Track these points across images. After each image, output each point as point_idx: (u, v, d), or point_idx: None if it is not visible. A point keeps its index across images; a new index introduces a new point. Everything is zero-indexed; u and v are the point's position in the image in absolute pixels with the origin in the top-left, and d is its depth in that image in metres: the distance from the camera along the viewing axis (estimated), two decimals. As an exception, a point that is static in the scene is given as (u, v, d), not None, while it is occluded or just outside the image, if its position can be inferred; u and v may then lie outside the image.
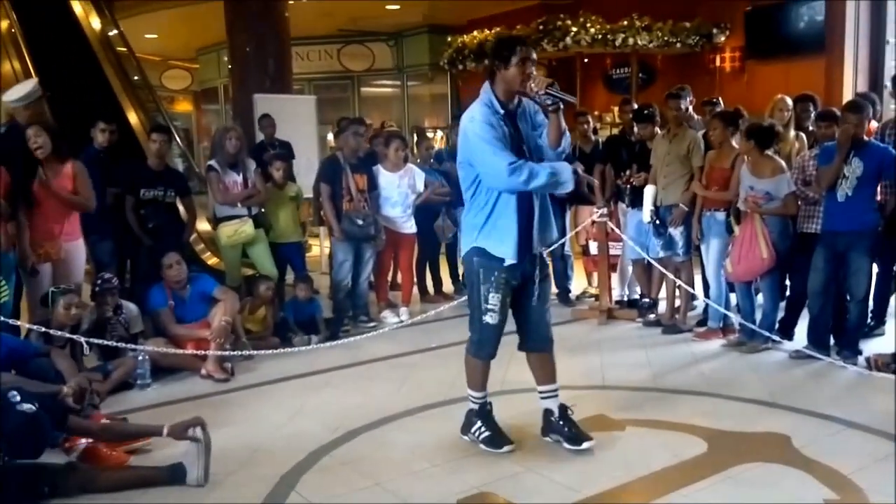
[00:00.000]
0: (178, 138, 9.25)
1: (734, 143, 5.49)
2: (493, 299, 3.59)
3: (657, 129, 6.07)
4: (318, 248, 8.80)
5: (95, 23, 9.76)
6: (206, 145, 13.10)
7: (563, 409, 3.81)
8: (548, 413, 3.83)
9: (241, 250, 6.03)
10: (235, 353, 5.09)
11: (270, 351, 5.27)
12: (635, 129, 6.31)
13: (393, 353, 5.50)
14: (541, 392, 3.84)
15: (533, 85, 3.41)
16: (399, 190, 6.35)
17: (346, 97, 15.52)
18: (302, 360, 5.31)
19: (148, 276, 5.49)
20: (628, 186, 6.18)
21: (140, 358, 4.75)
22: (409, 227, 6.48)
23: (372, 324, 6.21)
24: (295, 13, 10.47)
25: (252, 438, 3.98)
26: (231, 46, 10.18)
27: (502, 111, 3.51)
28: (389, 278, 6.97)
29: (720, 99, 6.82)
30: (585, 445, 3.68)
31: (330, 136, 11.02)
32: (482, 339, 3.69)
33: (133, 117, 8.87)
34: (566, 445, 3.72)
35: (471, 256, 3.65)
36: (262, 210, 6.11)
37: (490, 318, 3.62)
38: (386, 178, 6.30)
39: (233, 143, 5.88)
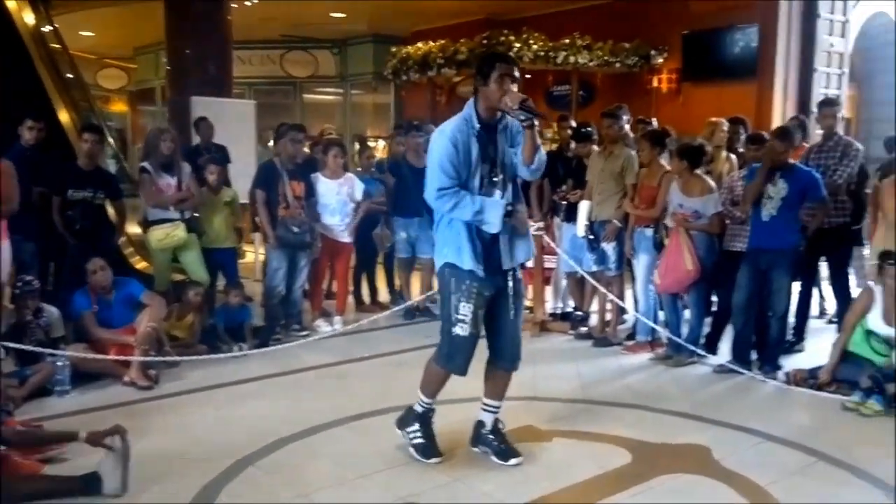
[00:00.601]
0: (111, 139, 9.01)
1: (662, 162, 5.63)
2: (464, 309, 3.56)
3: (594, 147, 6.19)
4: (253, 254, 8.67)
5: (29, 17, 9.44)
6: (141, 146, 12.79)
7: (496, 423, 3.83)
8: (480, 424, 3.85)
9: (172, 255, 5.90)
10: (160, 359, 4.95)
11: (196, 357, 5.16)
12: (572, 144, 6.41)
13: (325, 362, 5.45)
14: (485, 404, 3.84)
15: (507, 100, 3.44)
16: (338, 198, 6.30)
17: (289, 103, 15.39)
18: (230, 368, 5.22)
19: (72, 280, 5.32)
20: (564, 202, 6.28)
21: (59, 363, 4.59)
22: (347, 235, 6.43)
23: (304, 332, 6.14)
24: (238, 16, 10.35)
25: (174, 447, 3.89)
26: (169, 47, 9.99)
27: (478, 126, 3.53)
28: (325, 287, 6.91)
29: (653, 119, 6.99)
30: (513, 462, 3.71)
31: (271, 143, 10.88)
32: (451, 350, 3.65)
33: (65, 116, 8.58)
34: (494, 459, 3.74)
35: (443, 269, 3.64)
36: (196, 214, 5.99)
37: (460, 330, 3.57)
38: (325, 185, 6.25)
39: (167, 144, 5.75)
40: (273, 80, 15.10)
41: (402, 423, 3.86)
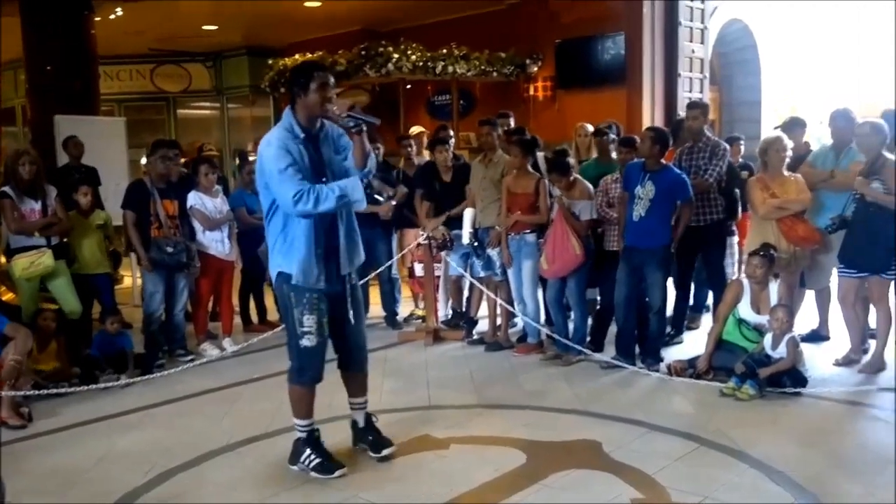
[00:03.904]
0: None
1: (531, 169, 5.78)
2: (309, 321, 3.58)
3: (449, 154, 6.36)
4: (131, 278, 8.28)
5: None
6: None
7: (368, 417, 3.94)
8: (355, 424, 3.95)
9: (40, 284, 5.55)
10: (31, 392, 4.64)
11: (74, 389, 4.88)
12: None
13: (212, 386, 5.26)
14: (352, 404, 3.94)
15: (335, 108, 3.49)
16: (219, 216, 6.15)
17: (162, 119, 14.85)
18: (111, 399, 4.96)
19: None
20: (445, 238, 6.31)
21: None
22: (230, 252, 6.25)
23: (190, 357, 5.91)
24: (102, 30, 9.89)
25: (55, 487, 3.67)
26: (28, 64, 9.43)
27: (303, 135, 3.54)
28: (209, 308, 6.67)
29: (525, 129, 7.15)
30: (385, 452, 3.83)
31: (144, 160, 10.46)
32: (303, 364, 3.66)
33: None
34: (370, 454, 3.85)
35: (280, 283, 3.63)
36: (65, 240, 5.67)
37: (307, 341, 3.59)
38: (205, 203, 6.08)
39: (26, 168, 5.42)
40: (144, 96, 14.53)
41: (294, 458, 3.79)
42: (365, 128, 3.53)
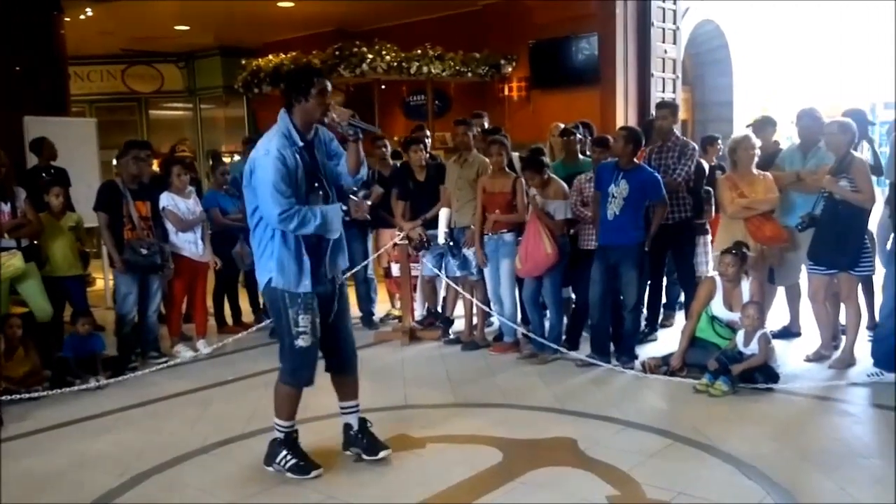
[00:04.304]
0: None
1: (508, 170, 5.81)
2: (304, 321, 3.57)
3: (424, 154, 6.38)
4: (103, 280, 8.19)
5: None
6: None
7: (363, 422, 3.90)
8: (347, 428, 3.91)
9: (10, 286, 5.47)
10: (2, 397, 4.58)
11: (46, 393, 4.81)
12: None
13: (186, 388, 5.23)
14: (343, 408, 3.91)
15: (335, 116, 3.49)
16: (192, 217, 6.10)
17: (134, 120, 14.68)
18: (83, 403, 4.91)
19: None
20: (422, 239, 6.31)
21: None
22: (203, 253, 6.21)
23: (163, 360, 5.86)
24: (72, 30, 9.77)
25: (27, 491, 3.63)
26: (-5, 65, 9.29)
27: (301, 143, 3.52)
28: (183, 309, 6.61)
29: (501, 129, 7.19)
30: (382, 454, 3.80)
31: (115, 161, 10.33)
32: (296, 365, 3.63)
33: None
34: (364, 457, 3.81)
35: (272, 286, 3.59)
36: (35, 242, 5.59)
37: (303, 341, 3.57)
38: (177, 204, 6.03)
39: (-5, 170, 5.35)
40: (115, 97, 14.36)
41: (270, 459, 3.77)
42: (362, 136, 3.55)
